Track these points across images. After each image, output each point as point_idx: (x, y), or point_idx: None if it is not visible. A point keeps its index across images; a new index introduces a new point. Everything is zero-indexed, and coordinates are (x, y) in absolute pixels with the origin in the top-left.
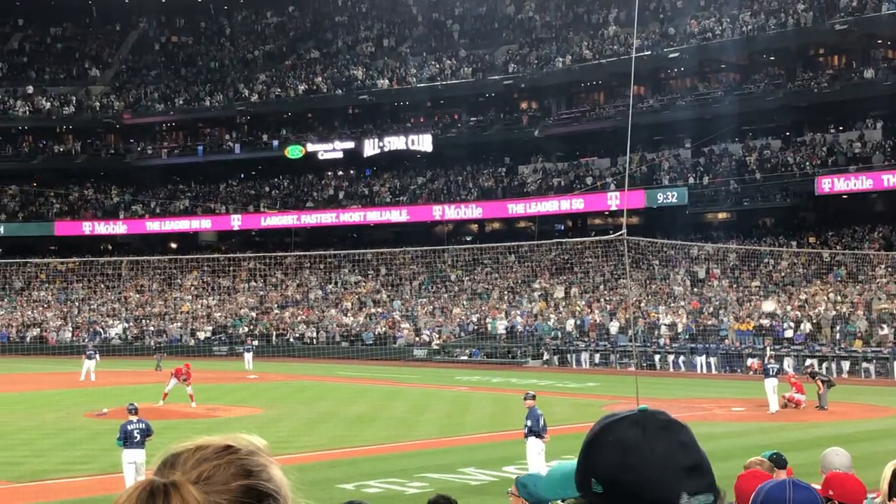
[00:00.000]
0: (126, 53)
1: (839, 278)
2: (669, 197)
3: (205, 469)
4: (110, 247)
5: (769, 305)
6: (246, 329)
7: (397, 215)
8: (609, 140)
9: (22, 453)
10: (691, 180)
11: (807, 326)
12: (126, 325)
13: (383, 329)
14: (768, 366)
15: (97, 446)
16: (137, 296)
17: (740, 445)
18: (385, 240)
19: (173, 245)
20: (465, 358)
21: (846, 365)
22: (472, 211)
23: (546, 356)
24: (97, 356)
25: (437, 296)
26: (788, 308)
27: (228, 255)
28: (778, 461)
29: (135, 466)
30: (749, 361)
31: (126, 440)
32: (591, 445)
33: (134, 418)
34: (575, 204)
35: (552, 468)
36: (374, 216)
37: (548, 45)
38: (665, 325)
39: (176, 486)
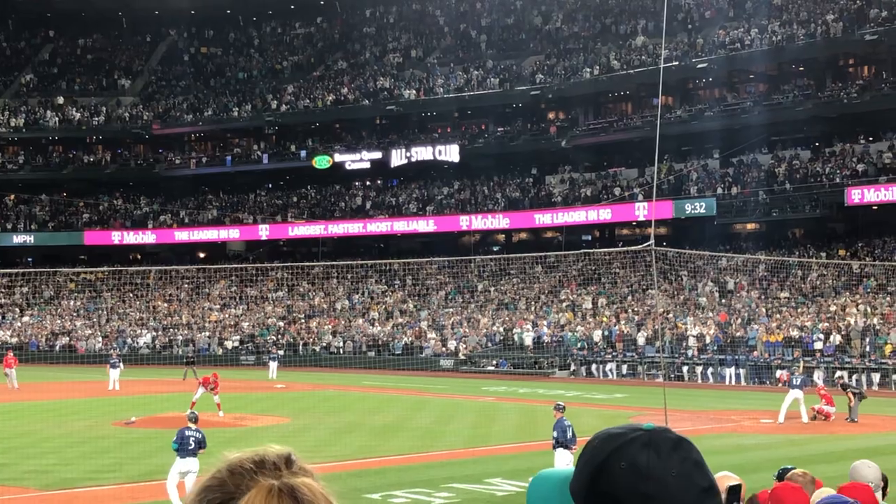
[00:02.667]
0: (155, 64)
1: (869, 290)
2: (698, 207)
3: (295, 472)
4: (139, 256)
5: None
6: (272, 338)
7: (424, 225)
8: (637, 150)
9: (50, 461)
10: (719, 191)
11: (836, 338)
12: (154, 334)
13: (410, 339)
14: (793, 377)
15: (125, 455)
16: (166, 305)
17: (769, 458)
18: (412, 250)
19: (202, 255)
20: (492, 368)
21: (876, 377)
22: (499, 221)
23: (573, 367)
24: (121, 365)
25: (464, 306)
26: (818, 319)
27: (256, 265)
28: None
29: (183, 476)
30: (778, 373)
31: (181, 446)
32: (600, 470)
33: (193, 426)
34: (602, 214)
35: (535, 480)
36: (400, 226)
37: (575, 55)
38: (693, 336)
39: (306, 483)
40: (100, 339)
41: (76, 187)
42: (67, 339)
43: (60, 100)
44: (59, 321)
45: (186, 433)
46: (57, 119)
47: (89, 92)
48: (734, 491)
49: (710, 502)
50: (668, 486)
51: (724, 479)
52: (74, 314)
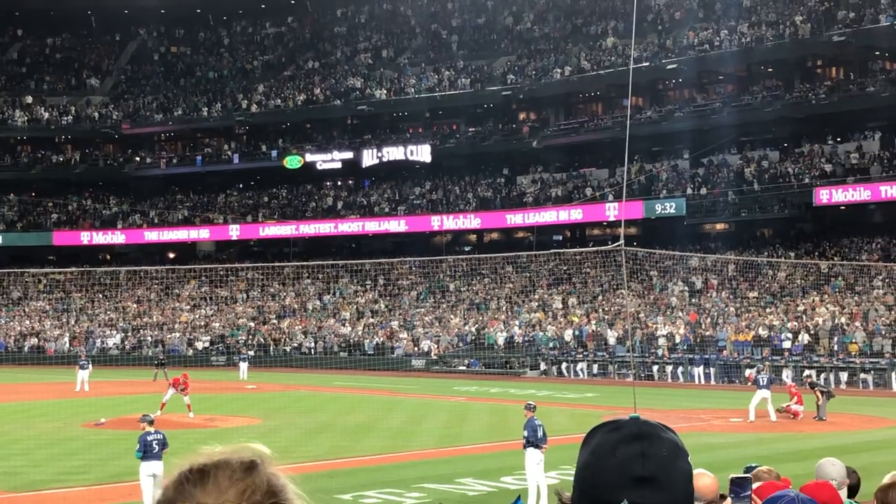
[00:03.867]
0: (125, 63)
1: (837, 289)
2: (668, 208)
3: (242, 489)
4: (108, 256)
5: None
6: (243, 339)
7: (396, 225)
8: (607, 151)
9: (19, 463)
10: (689, 191)
11: (805, 337)
12: (124, 335)
13: (381, 339)
14: (759, 376)
15: (94, 456)
16: (135, 306)
17: (738, 456)
18: (383, 250)
19: (171, 255)
20: (464, 368)
21: (844, 376)
22: (470, 221)
23: (544, 367)
24: (90, 366)
25: (436, 306)
26: (786, 319)
27: (227, 266)
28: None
29: (153, 479)
30: (747, 372)
31: (146, 452)
32: (581, 445)
33: (152, 429)
34: (573, 214)
35: None
36: (372, 226)
37: (546, 56)
38: (663, 335)
39: None
40: (68, 339)
41: (45, 187)
42: (36, 340)
43: (29, 99)
44: (27, 322)
45: (148, 438)
46: (25, 118)
47: (58, 91)
48: (738, 483)
49: (639, 492)
50: (605, 464)
51: (699, 476)
52: (43, 315)
